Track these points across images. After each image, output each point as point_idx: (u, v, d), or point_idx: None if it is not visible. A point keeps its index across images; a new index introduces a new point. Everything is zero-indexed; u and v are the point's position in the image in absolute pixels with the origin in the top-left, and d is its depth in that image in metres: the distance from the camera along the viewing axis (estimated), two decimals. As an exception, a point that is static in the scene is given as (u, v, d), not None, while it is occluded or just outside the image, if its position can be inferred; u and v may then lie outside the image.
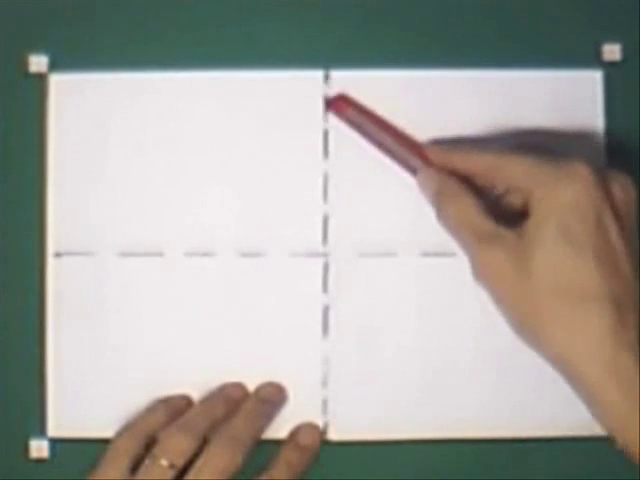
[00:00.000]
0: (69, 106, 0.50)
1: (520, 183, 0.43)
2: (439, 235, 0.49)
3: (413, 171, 0.48)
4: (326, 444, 0.49)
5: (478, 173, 0.45)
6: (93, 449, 0.48)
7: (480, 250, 0.43)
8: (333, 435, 0.49)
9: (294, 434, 0.48)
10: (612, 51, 0.50)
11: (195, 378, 0.49)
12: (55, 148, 0.50)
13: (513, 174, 0.44)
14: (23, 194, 0.50)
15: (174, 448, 0.45)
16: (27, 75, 0.50)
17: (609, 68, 0.50)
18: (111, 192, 0.50)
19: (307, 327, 0.49)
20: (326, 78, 0.50)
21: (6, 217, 0.50)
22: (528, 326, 0.42)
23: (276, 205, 0.50)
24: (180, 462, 0.45)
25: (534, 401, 0.49)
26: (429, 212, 0.49)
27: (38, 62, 0.50)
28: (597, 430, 0.47)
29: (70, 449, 0.49)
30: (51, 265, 0.50)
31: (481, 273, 0.43)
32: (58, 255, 0.50)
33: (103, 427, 0.49)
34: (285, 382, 0.49)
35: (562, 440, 0.49)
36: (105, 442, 0.47)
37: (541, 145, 0.48)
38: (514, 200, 0.45)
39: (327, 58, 0.50)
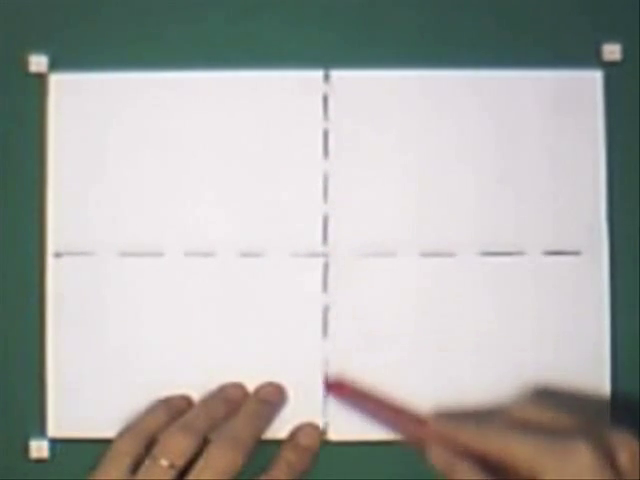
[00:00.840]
0: (69, 106, 0.50)
1: (525, 467, 0.42)
2: (439, 235, 0.49)
3: (418, 444, 0.46)
4: (326, 444, 0.49)
5: (483, 450, 0.44)
6: (93, 449, 0.48)
7: None
8: (333, 435, 0.49)
9: (294, 434, 0.48)
10: (612, 51, 0.50)
11: (195, 378, 0.49)
12: (55, 148, 0.50)
13: (517, 457, 0.42)
14: (23, 194, 0.50)
15: (174, 448, 0.45)
16: (27, 75, 0.50)
17: (609, 68, 0.50)
18: (111, 192, 0.50)
19: (307, 327, 0.49)
20: (326, 78, 0.50)
21: (6, 217, 0.50)
22: None
23: (276, 205, 0.50)
24: (180, 462, 0.45)
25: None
26: (429, 212, 0.50)
27: (38, 62, 0.50)
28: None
29: (70, 449, 0.49)
30: (51, 265, 0.50)
31: None
32: (58, 255, 0.50)
33: (103, 427, 0.49)
34: (285, 382, 0.49)
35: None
36: (105, 442, 0.48)
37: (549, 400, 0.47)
38: (520, 474, 0.43)
39: (327, 58, 0.50)
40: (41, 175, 0.50)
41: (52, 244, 0.50)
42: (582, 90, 0.50)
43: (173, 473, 0.44)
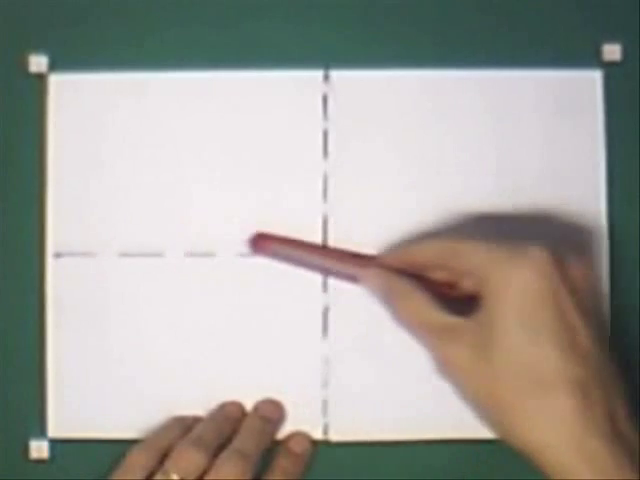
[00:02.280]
0: (69, 106, 0.50)
1: (475, 268, 0.43)
2: (439, 234, 0.49)
3: (355, 280, 0.48)
4: (326, 444, 0.49)
5: (432, 262, 0.45)
6: (93, 449, 0.48)
7: (440, 346, 0.43)
8: (333, 436, 0.49)
9: (286, 442, 0.49)
10: (612, 51, 0.50)
11: (195, 377, 0.49)
12: (55, 148, 0.50)
13: (468, 259, 0.43)
14: (23, 194, 0.50)
15: (186, 463, 0.44)
16: (27, 75, 0.50)
17: (609, 68, 0.50)
18: (111, 192, 0.50)
19: (307, 327, 0.49)
20: (326, 78, 0.50)
21: (6, 217, 0.50)
22: (495, 417, 0.41)
23: (276, 205, 0.50)
24: (191, 477, 0.44)
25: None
26: (429, 212, 0.49)
27: (38, 62, 0.50)
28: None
29: (70, 449, 0.49)
30: (51, 265, 0.50)
31: (444, 369, 0.43)
32: (58, 255, 0.50)
33: (103, 427, 0.49)
34: (285, 383, 0.49)
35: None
36: (105, 442, 0.48)
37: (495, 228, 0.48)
38: (466, 285, 0.44)
39: (327, 58, 0.50)
40: (41, 175, 0.50)
41: (52, 244, 0.50)
42: (582, 90, 0.50)
43: None
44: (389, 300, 0.46)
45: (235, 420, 0.48)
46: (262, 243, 0.49)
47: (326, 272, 0.49)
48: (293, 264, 0.49)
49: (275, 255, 0.49)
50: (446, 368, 0.43)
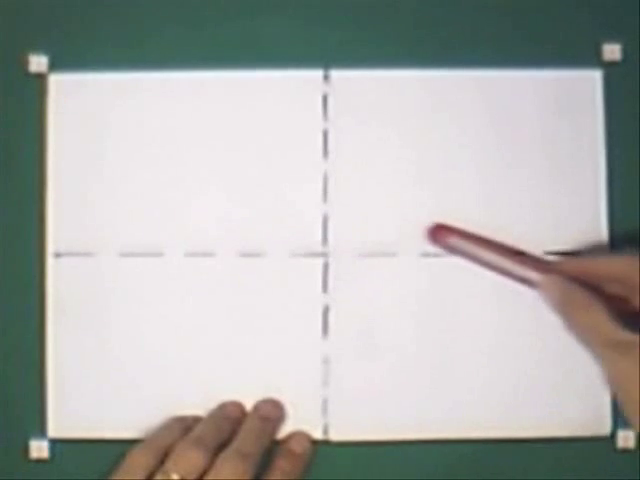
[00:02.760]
0: (69, 106, 0.50)
1: None
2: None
3: (530, 284, 0.48)
4: (326, 444, 0.49)
5: (614, 275, 0.45)
6: (93, 449, 0.48)
7: (613, 361, 0.42)
8: (334, 435, 0.49)
9: (286, 442, 0.49)
10: (612, 51, 0.50)
11: (195, 377, 0.49)
12: (55, 148, 0.50)
13: None
14: (23, 194, 0.50)
15: (186, 463, 0.45)
16: (27, 75, 0.50)
17: (609, 68, 0.50)
18: (111, 192, 0.50)
19: (307, 327, 0.49)
20: (326, 78, 0.50)
21: (6, 217, 0.50)
22: None
23: (276, 205, 0.50)
24: (192, 477, 0.44)
25: (534, 401, 0.49)
26: (429, 212, 0.50)
27: (38, 62, 0.50)
28: (597, 430, 0.47)
29: (70, 449, 0.49)
30: (51, 265, 0.50)
31: (614, 382, 0.43)
32: (58, 255, 0.50)
33: (103, 427, 0.49)
34: (285, 382, 0.49)
35: (562, 440, 0.49)
36: (105, 443, 0.48)
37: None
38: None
39: (327, 58, 0.50)
40: (41, 175, 0.50)
41: (52, 244, 0.50)
42: (582, 90, 0.50)
43: None
44: (566, 309, 0.45)
45: (235, 420, 0.48)
46: (441, 234, 0.49)
47: (501, 272, 0.48)
48: (468, 259, 0.49)
49: (451, 248, 0.49)
50: (616, 381, 0.43)
